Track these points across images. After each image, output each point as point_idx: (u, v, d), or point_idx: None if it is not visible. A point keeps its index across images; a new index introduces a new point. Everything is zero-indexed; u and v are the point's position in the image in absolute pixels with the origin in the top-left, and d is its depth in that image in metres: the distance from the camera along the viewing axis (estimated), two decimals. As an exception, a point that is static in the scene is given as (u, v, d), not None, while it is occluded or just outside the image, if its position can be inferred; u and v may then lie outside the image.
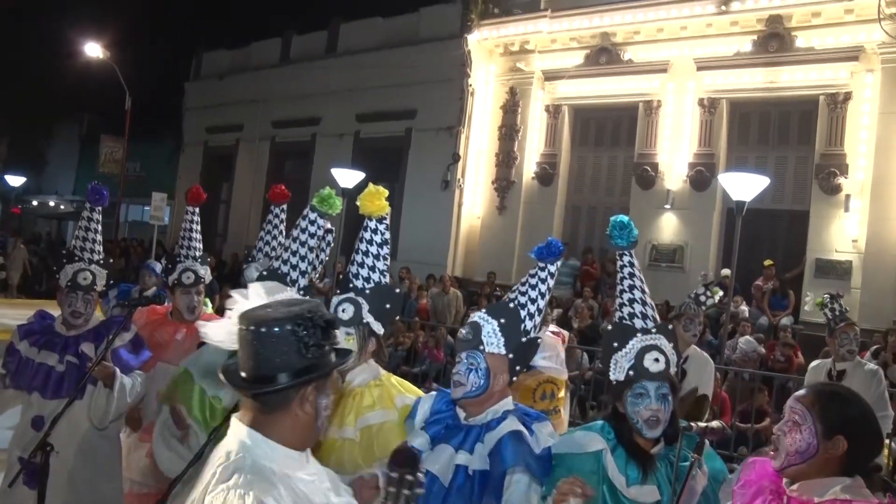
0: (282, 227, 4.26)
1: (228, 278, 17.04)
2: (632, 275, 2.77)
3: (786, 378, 9.86)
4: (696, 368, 5.41)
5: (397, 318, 3.55)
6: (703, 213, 13.84)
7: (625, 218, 2.87)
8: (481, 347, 2.63)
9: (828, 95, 12.54)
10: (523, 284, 2.79)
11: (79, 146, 33.60)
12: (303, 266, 3.11)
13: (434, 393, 2.88)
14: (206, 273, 4.29)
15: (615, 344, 2.69)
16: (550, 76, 15.65)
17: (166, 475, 3.02)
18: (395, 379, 3.09)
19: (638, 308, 2.73)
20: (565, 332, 6.88)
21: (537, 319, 2.77)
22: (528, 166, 15.86)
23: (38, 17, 30.24)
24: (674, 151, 14.12)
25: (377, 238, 3.06)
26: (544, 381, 6.26)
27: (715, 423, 2.52)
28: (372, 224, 3.04)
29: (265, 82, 20.87)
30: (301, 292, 3.13)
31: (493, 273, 14.96)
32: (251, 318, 1.82)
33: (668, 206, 14.04)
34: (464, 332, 2.70)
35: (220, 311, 4.99)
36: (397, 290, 3.15)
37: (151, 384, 3.81)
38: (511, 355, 2.66)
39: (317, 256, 3.75)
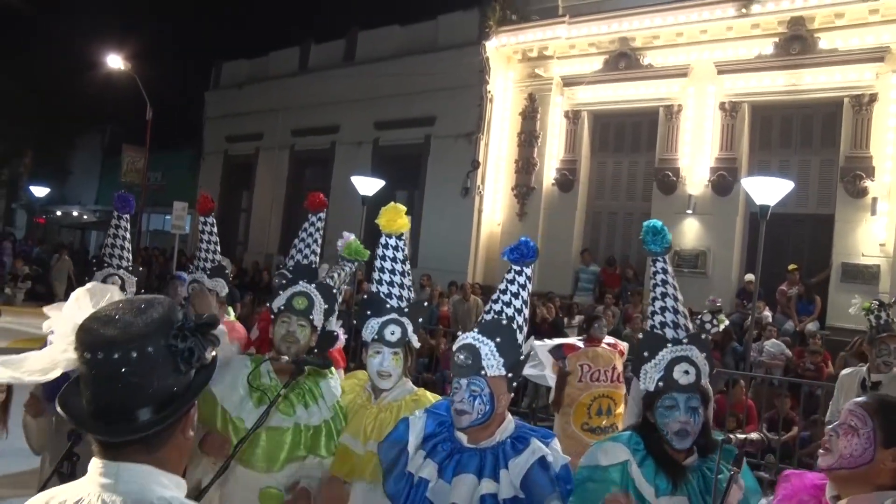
0: (317, 235, 4.22)
1: (249, 286, 17.11)
2: (665, 282, 2.71)
3: (815, 385, 9.70)
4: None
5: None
6: (725, 218, 13.69)
7: (658, 223, 2.80)
8: (483, 372, 2.53)
9: (852, 97, 12.37)
10: (504, 293, 2.66)
11: (101, 157, 33.92)
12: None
13: (423, 413, 2.75)
14: (216, 285, 4.25)
15: (645, 353, 2.65)
16: (569, 82, 15.57)
17: None
18: (430, 394, 3.11)
19: (669, 317, 2.68)
20: (623, 344, 6.76)
21: (525, 330, 2.70)
22: (548, 172, 15.78)
23: (59, 30, 30.58)
24: (695, 156, 13.99)
25: (399, 255, 3.12)
26: (600, 395, 6.16)
27: (754, 435, 2.45)
28: (392, 241, 3.11)
29: (284, 91, 20.98)
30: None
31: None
32: (103, 340, 1.39)
33: (689, 211, 13.91)
34: (461, 357, 2.56)
35: (242, 319, 4.98)
36: (426, 304, 3.22)
37: None
38: (510, 374, 2.58)
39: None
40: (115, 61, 22.92)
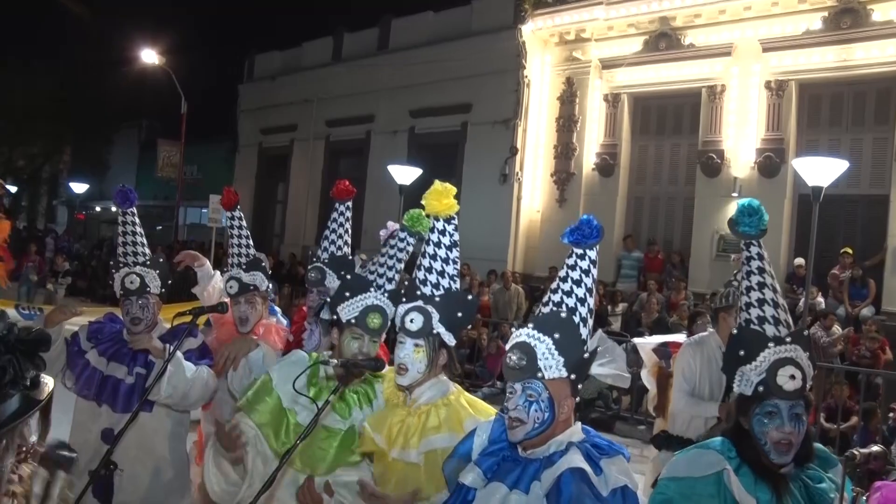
0: (347, 224, 4.04)
1: (287, 278, 17.09)
2: (761, 270, 2.41)
3: (873, 374, 9.35)
4: None
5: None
6: (772, 201, 13.18)
7: (755, 202, 2.48)
8: (539, 374, 2.16)
9: (908, 72, 11.89)
10: (565, 281, 2.27)
11: (138, 152, 34.23)
12: (390, 274, 2.98)
13: (491, 420, 2.44)
14: (254, 279, 4.05)
15: (741, 353, 2.35)
16: (608, 64, 15.22)
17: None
18: (465, 398, 2.77)
19: (769, 311, 2.36)
20: None
21: (590, 323, 2.31)
22: (588, 158, 15.47)
23: (94, 28, 30.87)
24: (740, 137, 13.59)
25: (445, 240, 2.75)
26: None
27: (876, 449, 2.20)
28: (440, 224, 2.75)
29: (318, 82, 20.88)
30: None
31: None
32: None
33: (735, 195, 13.50)
34: (514, 358, 2.19)
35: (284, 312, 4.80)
36: (470, 297, 2.86)
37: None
38: (573, 375, 2.20)
39: (392, 258, 3.60)
40: (149, 56, 23.06)
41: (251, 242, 4.14)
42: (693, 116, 14.35)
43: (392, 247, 3.10)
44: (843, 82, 12.90)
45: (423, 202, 2.78)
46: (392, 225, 3.72)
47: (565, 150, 15.69)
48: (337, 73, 20.43)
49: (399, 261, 3.00)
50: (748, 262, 2.45)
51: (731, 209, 13.62)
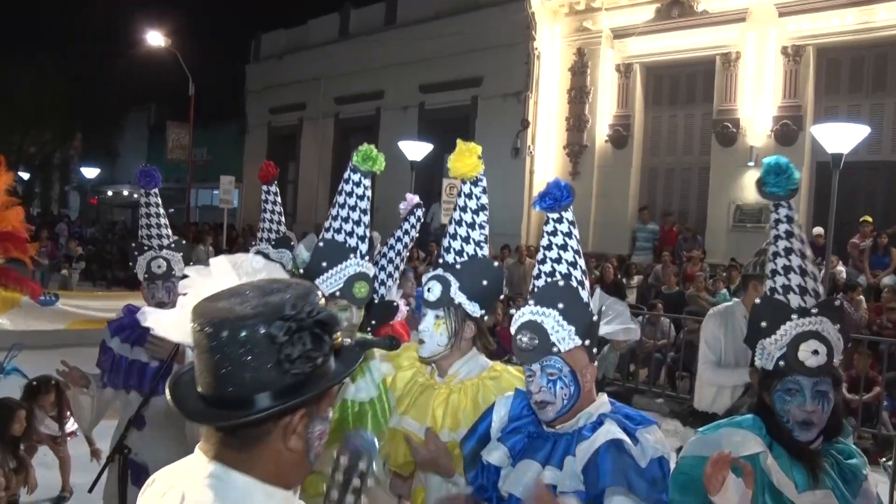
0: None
1: (299, 258, 17.02)
2: (790, 234, 2.22)
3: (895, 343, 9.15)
4: None
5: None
6: (791, 169, 13.00)
7: (783, 160, 2.30)
8: (555, 349, 2.06)
9: (931, 33, 11.57)
10: (549, 249, 2.16)
11: (147, 135, 34.16)
12: (360, 231, 2.74)
13: (510, 395, 2.32)
14: (280, 256, 3.95)
15: (763, 324, 2.18)
16: (620, 34, 14.93)
17: None
18: (513, 368, 2.57)
19: (795, 280, 2.18)
20: None
21: (587, 284, 2.21)
22: (601, 129, 15.24)
23: (99, 12, 30.73)
24: (756, 105, 13.31)
25: (472, 203, 2.58)
26: None
27: None
28: (466, 187, 2.59)
29: (325, 59, 20.67)
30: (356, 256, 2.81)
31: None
32: (206, 313, 1.27)
33: (751, 164, 13.26)
34: (525, 339, 2.09)
35: None
36: (496, 263, 2.63)
37: None
38: (587, 341, 2.10)
39: (407, 234, 3.42)
40: (155, 38, 22.87)
41: (283, 220, 4.01)
42: (707, 85, 14.08)
43: (344, 193, 2.91)
44: (863, 45, 12.57)
45: (448, 164, 2.62)
46: (411, 197, 3.58)
47: (578, 122, 15.46)
48: (344, 50, 20.20)
49: (353, 209, 2.80)
50: (776, 224, 2.27)
51: (748, 179, 13.48)
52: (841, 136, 9.45)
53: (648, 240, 14.23)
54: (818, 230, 12.11)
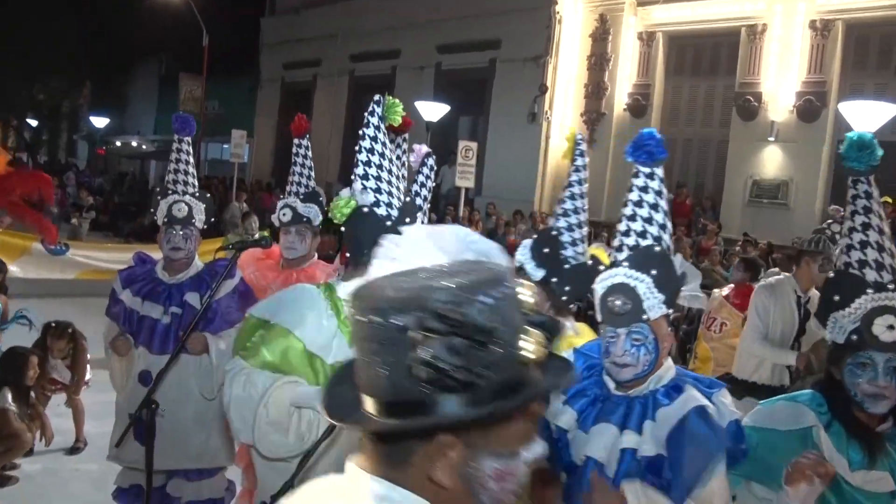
0: (405, 158, 3.88)
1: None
2: (867, 209, 2.17)
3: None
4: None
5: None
6: (811, 146, 12.86)
7: (866, 134, 2.24)
8: (644, 317, 2.03)
9: (963, 12, 11.34)
10: (640, 206, 2.09)
11: (158, 86, 33.88)
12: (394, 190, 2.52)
13: (570, 353, 2.29)
14: (308, 211, 3.90)
15: (836, 297, 2.16)
16: (643, 1, 14.70)
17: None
18: (586, 328, 2.65)
19: (872, 255, 2.13)
20: None
21: (672, 247, 2.17)
22: (620, 97, 15.06)
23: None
24: (780, 79, 13.11)
25: (574, 178, 2.72)
26: None
27: None
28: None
29: (342, 15, 20.38)
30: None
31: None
32: (363, 295, 1.04)
33: (772, 139, 13.12)
34: (618, 303, 2.05)
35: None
36: (553, 233, 2.74)
37: None
38: (671, 310, 2.08)
39: (423, 186, 3.36)
40: (169, -13, 22.57)
41: (313, 175, 3.99)
42: (731, 57, 13.86)
43: (421, 173, 2.87)
44: (893, 22, 12.32)
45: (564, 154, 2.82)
46: (419, 148, 3.48)
47: (596, 90, 15.28)
48: (362, 7, 19.88)
49: (430, 189, 2.75)
50: (853, 200, 2.22)
51: (767, 154, 13.35)
52: (868, 114, 9.36)
53: (663, 211, 14.14)
54: (835, 207, 12.01)
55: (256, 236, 4.04)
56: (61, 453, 5.28)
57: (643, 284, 2.05)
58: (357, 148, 2.45)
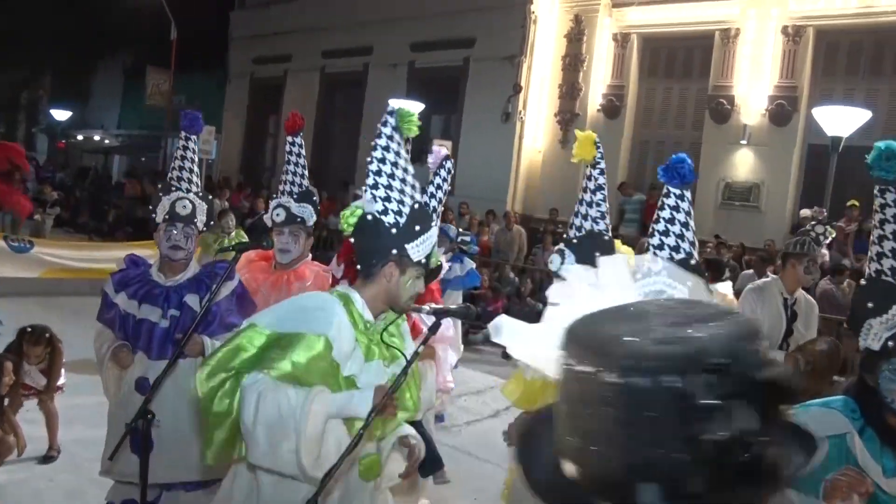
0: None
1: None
2: None
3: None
4: (805, 312, 4.83)
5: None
6: (782, 150, 13.03)
7: (894, 144, 2.34)
8: None
9: (932, 21, 11.55)
10: (672, 223, 2.23)
11: (122, 79, 33.21)
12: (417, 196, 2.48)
13: None
14: (303, 211, 3.82)
15: (870, 304, 2.17)
16: (619, 3, 14.75)
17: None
18: None
19: None
20: None
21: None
22: (594, 98, 15.10)
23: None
24: (752, 83, 13.26)
25: (590, 184, 2.98)
26: None
27: None
28: (586, 170, 3.00)
29: (314, 10, 20.13)
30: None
31: (555, 209, 14.41)
32: (592, 342, 0.85)
33: (744, 142, 13.26)
34: None
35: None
36: (606, 237, 2.94)
37: None
38: None
39: (439, 188, 3.32)
40: (136, -22, 22.14)
41: (307, 173, 3.93)
42: (704, 60, 13.98)
43: (438, 175, 3.01)
44: (862, 30, 12.53)
45: (573, 151, 3.03)
46: (439, 150, 3.43)
47: (570, 90, 15.30)
48: (334, 2, 19.65)
49: (445, 192, 2.95)
50: (882, 209, 2.31)
51: (740, 157, 13.48)
52: (841, 120, 9.49)
53: (636, 211, 14.21)
54: (805, 212, 12.16)
55: (242, 237, 3.92)
56: (33, 462, 4.98)
57: (680, 294, 2.05)
58: (368, 158, 2.41)
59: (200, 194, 3.43)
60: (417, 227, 2.39)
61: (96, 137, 34.61)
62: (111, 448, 3.06)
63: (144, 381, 3.18)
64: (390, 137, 2.41)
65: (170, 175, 3.46)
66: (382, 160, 2.39)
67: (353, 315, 2.33)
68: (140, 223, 19.04)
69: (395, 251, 2.36)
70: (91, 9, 28.11)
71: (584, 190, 2.99)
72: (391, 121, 2.43)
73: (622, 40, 14.80)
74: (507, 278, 12.18)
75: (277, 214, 3.78)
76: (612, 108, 14.91)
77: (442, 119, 17.49)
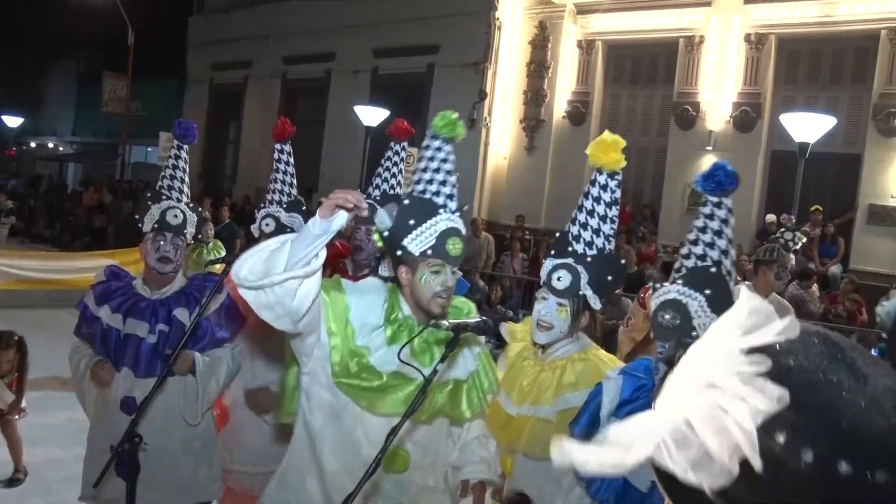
0: (402, 165, 3.89)
1: (239, 222, 16.39)
2: None
3: (848, 331, 9.31)
4: (780, 315, 4.83)
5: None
6: (747, 156, 13.07)
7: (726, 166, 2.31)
8: (693, 333, 2.04)
9: (890, 30, 11.74)
10: (704, 231, 2.20)
11: (76, 85, 32.47)
12: (447, 190, 2.43)
13: (619, 377, 2.31)
14: (292, 221, 3.70)
15: None
16: (583, 10, 14.75)
17: None
18: (603, 354, 2.62)
19: None
20: None
21: (734, 274, 2.23)
22: (559, 105, 15.07)
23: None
24: (716, 90, 13.34)
25: (606, 196, 2.63)
26: None
27: None
28: (601, 178, 2.64)
29: (274, 15, 19.84)
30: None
31: (521, 216, 14.33)
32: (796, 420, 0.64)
33: (709, 148, 13.32)
34: (667, 317, 2.11)
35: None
36: (623, 261, 2.74)
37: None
38: None
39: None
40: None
41: (295, 182, 3.79)
42: (669, 67, 14.04)
43: (427, 159, 2.68)
44: (823, 38, 12.69)
45: (587, 152, 2.64)
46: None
47: (535, 97, 15.25)
48: (295, 8, 19.37)
49: (449, 173, 2.53)
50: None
51: (705, 162, 13.48)
52: (808, 126, 9.56)
53: (602, 219, 14.20)
54: (770, 217, 12.28)
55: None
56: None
57: (695, 302, 2.09)
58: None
59: (191, 206, 3.25)
60: (411, 221, 2.32)
61: (50, 145, 33.80)
62: (92, 471, 2.86)
63: (131, 400, 2.99)
64: (435, 148, 2.46)
65: (160, 184, 3.27)
66: (425, 169, 2.43)
67: (392, 304, 2.33)
68: (98, 233, 18.60)
69: (398, 252, 2.32)
70: (41, 11, 27.42)
71: (598, 201, 2.63)
72: (429, 131, 2.48)
73: (587, 47, 14.80)
74: (477, 286, 12.04)
75: (267, 225, 3.62)
76: (578, 115, 14.90)
77: (406, 125, 17.29)
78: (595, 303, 2.55)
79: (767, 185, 13.13)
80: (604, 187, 2.63)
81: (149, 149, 26.52)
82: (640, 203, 14.34)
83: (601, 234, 2.60)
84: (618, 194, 2.66)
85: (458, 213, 2.39)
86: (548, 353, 2.63)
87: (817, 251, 11.89)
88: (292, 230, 3.62)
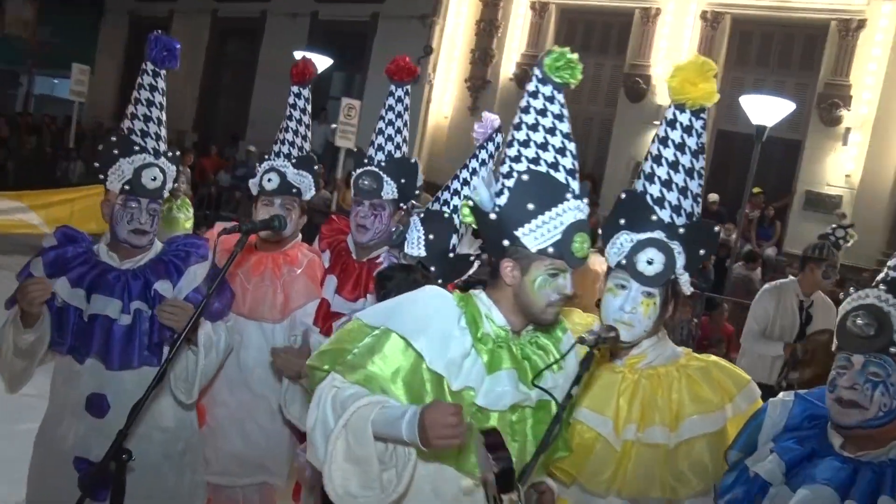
0: (406, 116, 3.13)
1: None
2: None
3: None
4: (823, 313, 4.89)
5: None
6: (692, 134, 13.16)
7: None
8: (892, 349, 1.70)
9: (840, 21, 11.91)
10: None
11: (-26, 4, 29.86)
12: (567, 163, 1.94)
13: (788, 399, 1.91)
14: (301, 180, 3.06)
15: None
16: (538, -29, 14.39)
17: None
18: (714, 359, 2.09)
19: None
20: None
21: None
22: (507, 66, 14.73)
23: None
24: (668, 65, 13.10)
25: (691, 142, 2.01)
26: None
27: None
28: (684, 118, 2.00)
29: (206, -53, 18.59)
30: None
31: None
32: None
33: (657, 123, 13.19)
34: (860, 322, 1.75)
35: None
36: (716, 229, 2.09)
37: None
38: None
39: (483, 165, 2.66)
40: None
41: (310, 134, 3.13)
42: (622, 37, 13.88)
43: (484, 149, 2.51)
44: (775, 23, 12.79)
45: (667, 81, 2.00)
46: (489, 117, 2.84)
47: (483, 56, 14.85)
48: (230, -60, 18.24)
49: (568, 137, 2.05)
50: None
51: (651, 137, 13.42)
52: (767, 109, 9.66)
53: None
54: (713, 197, 12.40)
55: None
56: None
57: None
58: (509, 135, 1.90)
59: (170, 155, 2.60)
60: (531, 206, 1.79)
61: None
62: (38, 488, 2.33)
63: (99, 398, 2.41)
64: (547, 98, 1.90)
65: (129, 124, 2.58)
66: (534, 127, 1.88)
67: (473, 317, 1.78)
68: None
69: (506, 242, 1.79)
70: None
71: (681, 149, 1.99)
72: (537, 73, 1.89)
73: (540, 9, 14.47)
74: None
75: (269, 180, 3.01)
76: (525, 78, 14.49)
77: (344, 76, 16.60)
78: (687, 287, 2.00)
79: (711, 164, 13.19)
80: (688, 130, 2.01)
81: (56, 80, 24.63)
82: (582, 172, 14.21)
83: (688, 193, 2.01)
84: (704, 139, 2.04)
85: (585, 200, 1.86)
86: (632, 357, 2.07)
87: (755, 233, 12.10)
88: (298, 190, 3.06)
